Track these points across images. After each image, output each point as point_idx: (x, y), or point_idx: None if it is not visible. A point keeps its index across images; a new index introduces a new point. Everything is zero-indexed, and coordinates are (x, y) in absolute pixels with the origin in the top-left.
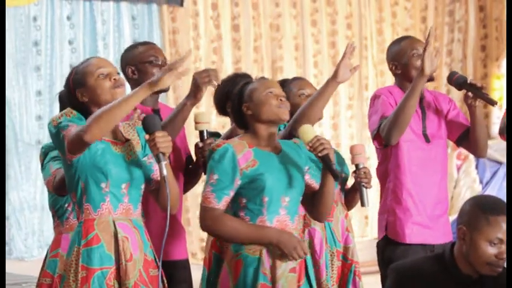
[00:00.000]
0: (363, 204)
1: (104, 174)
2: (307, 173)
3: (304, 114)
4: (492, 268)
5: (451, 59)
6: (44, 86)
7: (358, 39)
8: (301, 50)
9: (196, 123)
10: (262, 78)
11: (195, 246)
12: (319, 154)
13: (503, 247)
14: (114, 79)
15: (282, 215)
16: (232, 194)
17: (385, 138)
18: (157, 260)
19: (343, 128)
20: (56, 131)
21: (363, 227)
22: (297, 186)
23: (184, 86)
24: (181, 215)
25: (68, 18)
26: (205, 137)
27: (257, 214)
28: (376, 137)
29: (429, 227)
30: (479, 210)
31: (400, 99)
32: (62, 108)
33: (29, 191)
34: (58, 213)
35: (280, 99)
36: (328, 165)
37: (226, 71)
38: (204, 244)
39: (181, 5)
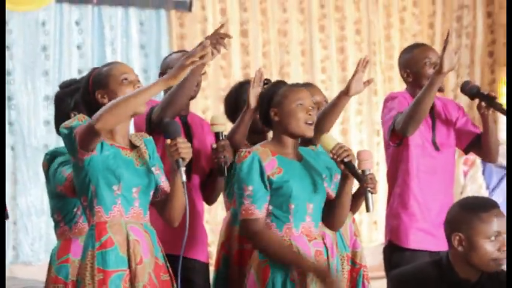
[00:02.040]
0: (368, 210)
1: (116, 177)
2: (325, 180)
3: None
4: (497, 262)
5: (459, 65)
6: (52, 90)
7: (366, 45)
8: (308, 55)
9: (211, 124)
10: (296, 85)
11: None
12: (345, 160)
13: (502, 238)
14: (138, 87)
15: (308, 221)
16: (268, 198)
17: (400, 131)
18: (168, 265)
19: (353, 133)
20: (69, 131)
21: (371, 232)
22: (321, 192)
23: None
24: (203, 220)
25: (77, 23)
26: (220, 139)
27: (284, 221)
28: (392, 133)
29: (433, 234)
30: (469, 212)
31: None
32: (57, 110)
33: (37, 195)
34: (66, 219)
35: (309, 114)
36: (352, 170)
37: (234, 76)
38: (209, 249)
39: (190, 10)
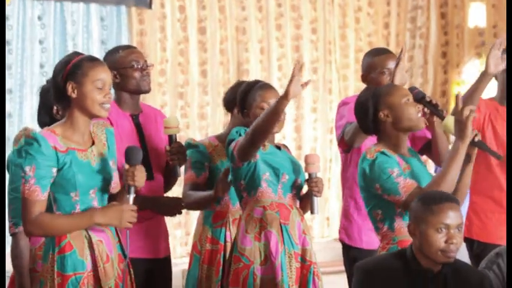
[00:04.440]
0: (312, 212)
1: (72, 185)
2: None
3: (256, 129)
4: (445, 254)
5: (412, 64)
6: (14, 84)
7: (322, 44)
8: (266, 53)
9: (165, 127)
10: (395, 84)
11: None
12: (475, 139)
13: (451, 232)
14: (109, 97)
15: None
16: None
17: (348, 142)
18: (125, 252)
19: (307, 131)
20: (14, 169)
21: (323, 228)
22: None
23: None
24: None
25: (39, 18)
26: (173, 141)
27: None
28: (340, 141)
29: None
30: (423, 204)
31: None
32: (41, 101)
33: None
34: None
35: (418, 107)
36: (484, 148)
37: (192, 72)
38: (176, 242)
39: (150, 7)
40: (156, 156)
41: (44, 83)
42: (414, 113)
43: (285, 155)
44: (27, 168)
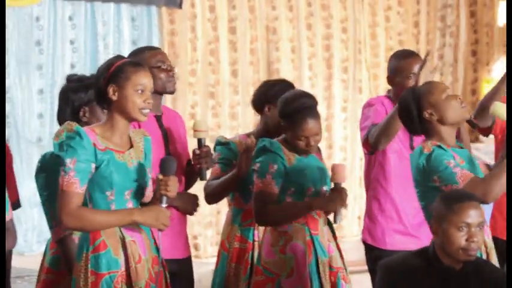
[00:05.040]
0: (335, 221)
1: (108, 184)
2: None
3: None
4: (466, 252)
5: (443, 63)
6: (45, 84)
7: (352, 43)
8: (297, 52)
9: (194, 130)
10: (432, 82)
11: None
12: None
13: (472, 230)
14: (148, 102)
15: None
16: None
17: (372, 145)
18: (161, 255)
19: (338, 130)
20: (55, 160)
21: (354, 226)
22: None
23: (182, 86)
24: (185, 215)
25: (70, 18)
26: (203, 145)
27: None
28: (365, 142)
29: (411, 235)
30: (444, 203)
31: (390, 110)
32: (67, 101)
33: (30, 187)
34: None
35: (459, 98)
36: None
37: (223, 72)
38: (196, 241)
39: (180, 7)
40: (177, 157)
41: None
42: (457, 106)
43: (312, 162)
44: (67, 161)
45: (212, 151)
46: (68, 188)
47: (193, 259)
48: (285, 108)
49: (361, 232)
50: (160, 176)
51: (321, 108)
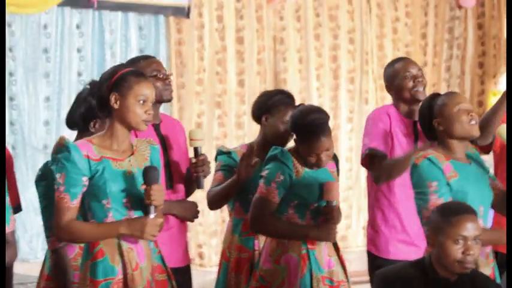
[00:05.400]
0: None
1: (103, 193)
2: (490, 178)
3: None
4: (462, 265)
5: (450, 75)
6: (52, 92)
7: (359, 54)
8: (304, 63)
9: (190, 139)
10: (452, 93)
11: (193, 252)
12: None
13: (469, 243)
14: (149, 113)
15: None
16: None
17: (374, 180)
18: (166, 265)
19: (343, 140)
20: (44, 167)
21: (358, 236)
22: (490, 196)
23: (189, 96)
24: (185, 223)
25: (77, 26)
26: (199, 153)
27: None
28: (363, 162)
29: (415, 245)
30: (441, 215)
31: (395, 121)
32: (73, 107)
33: (35, 194)
34: None
35: (471, 115)
36: None
37: (229, 81)
38: (201, 250)
39: (188, 16)
40: (177, 165)
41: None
42: (466, 121)
43: (321, 176)
44: (57, 176)
45: (214, 161)
46: (59, 203)
47: (197, 268)
48: (297, 123)
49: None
50: (143, 186)
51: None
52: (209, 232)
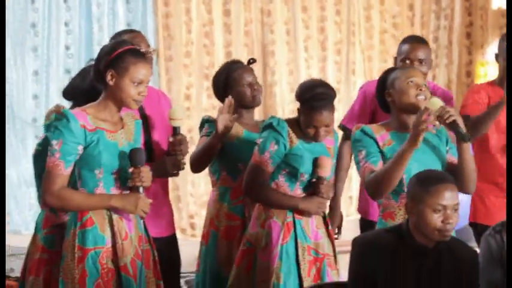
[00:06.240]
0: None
1: (96, 162)
2: (448, 152)
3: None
4: (441, 233)
5: (437, 46)
6: (40, 65)
7: (346, 25)
8: (292, 35)
9: (170, 119)
10: (407, 67)
11: (184, 222)
12: (447, 121)
13: (448, 212)
14: (143, 95)
15: None
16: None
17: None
18: (149, 234)
19: None
20: (44, 141)
21: (347, 207)
22: (436, 166)
23: (177, 68)
24: (168, 194)
25: (65, 0)
26: (178, 133)
27: (398, 193)
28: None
29: None
30: (420, 184)
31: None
32: (77, 81)
33: (26, 166)
34: None
35: (420, 89)
36: (456, 129)
37: (217, 54)
38: (192, 221)
39: None
40: (159, 139)
41: (69, 64)
42: (413, 95)
43: (316, 149)
44: (53, 142)
45: (199, 131)
46: (52, 169)
47: (189, 238)
48: (302, 94)
49: (356, 211)
50: (131, 169)
51: None
52: (200, 203)
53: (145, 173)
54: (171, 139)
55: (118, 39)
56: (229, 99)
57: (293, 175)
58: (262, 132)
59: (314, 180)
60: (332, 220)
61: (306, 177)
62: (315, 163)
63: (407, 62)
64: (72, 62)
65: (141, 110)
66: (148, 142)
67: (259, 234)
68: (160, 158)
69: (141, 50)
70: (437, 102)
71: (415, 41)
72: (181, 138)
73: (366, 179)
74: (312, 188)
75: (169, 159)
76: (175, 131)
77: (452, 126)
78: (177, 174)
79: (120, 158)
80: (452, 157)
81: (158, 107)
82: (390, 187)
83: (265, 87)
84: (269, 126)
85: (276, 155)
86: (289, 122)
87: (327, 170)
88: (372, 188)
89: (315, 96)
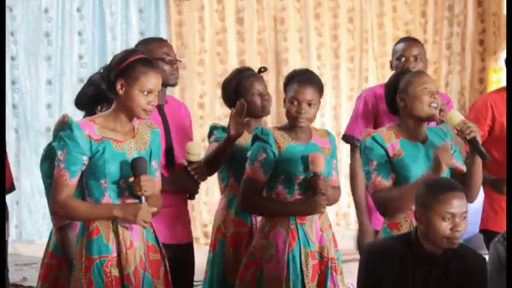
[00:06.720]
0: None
1: (102, 172)
2: (452, 156)
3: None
4: (450, 241)
5: (450, 52)
6: (54, 75)
7: (359, 33)
8: (305, 42)
9: (187, 153)
10: (420, 72)
11: (198, 231)
12: (467, 137)
13: (456, 220)
14: (152, 104)
15: None
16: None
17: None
18: (160, 245)
19: (344, 118)
20: (48, 147)
21: (346, 216)
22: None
23: (191, 76)
24: (186, 202)
25: (78, 10)
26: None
27: None
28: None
29: None
30: (429, 192)
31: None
32: (84, 88)
33: (39, 176)
34: None
35: (434, 97)
36: (475, 146)
37: (230, 62)
38: (206, 229)
39: None
40: (179, 145)
41: (82, 74)
42: (427, 102)
43: (308, 149)
44: (59, 153)
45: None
46: (58, 179)
47: (203, 247)
48: (287, 78)
49: (353, 220)
50: (132, 179)
51: (330, 97)
52: (213, 211)
53: (147, 182)
54: (184, 162)
55: (144, 46)
56: (241, 102)
57: (289, 180)
58: (252, 145)
59: (310, 178)
60: (365, 237)
61: (301, 179)
62: (307, 161)
63: (403, 59)
64: (85, 71)
65: (163, 114)
66: (171, 147)
67: (264, 246)
68: (179, 167)
69: (169, 58)
70: (457, 116)
71: (409, 40)
72: (196, 166)
73: (377, 194)
74: (311, 188)
75: (180, 177)
76: (190, 164)
77: (472, 142)
78: (193, 198)
79: (127, 167)
80: (458, 162)
81: (178, 116)
82: (403, 210)
83: (279, 94)
84: (255, 137)
85: (266, 164)
86: (275, 129)
87: (320, 165)
88: (384, 207)
89: (299, 73)
